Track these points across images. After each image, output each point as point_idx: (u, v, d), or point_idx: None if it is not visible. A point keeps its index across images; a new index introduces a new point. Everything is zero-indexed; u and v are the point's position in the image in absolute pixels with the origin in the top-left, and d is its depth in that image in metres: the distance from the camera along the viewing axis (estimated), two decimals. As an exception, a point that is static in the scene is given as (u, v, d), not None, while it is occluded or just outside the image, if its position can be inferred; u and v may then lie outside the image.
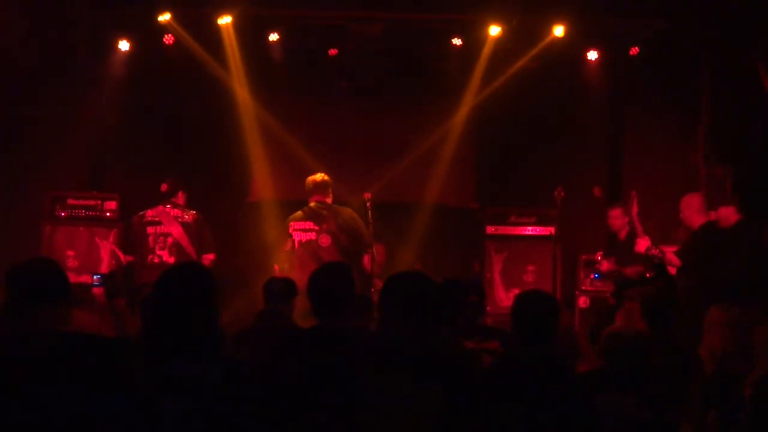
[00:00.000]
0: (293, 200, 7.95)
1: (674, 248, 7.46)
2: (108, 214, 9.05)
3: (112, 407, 2.68)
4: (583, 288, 9.10)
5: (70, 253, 8.92)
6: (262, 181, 9.88)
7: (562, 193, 8.23)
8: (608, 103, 10.20)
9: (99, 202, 9.08)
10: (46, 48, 9.15)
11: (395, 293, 3.54)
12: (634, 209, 7.62)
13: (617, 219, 8.19)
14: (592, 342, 5.83)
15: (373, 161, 9.81)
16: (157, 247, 7.63)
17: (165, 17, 8.98)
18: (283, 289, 5.69)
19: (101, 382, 2.73)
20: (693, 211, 7.30)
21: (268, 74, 9.71)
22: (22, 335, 2.87)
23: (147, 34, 9.23)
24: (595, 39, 9.48)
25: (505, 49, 9.38)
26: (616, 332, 5.07)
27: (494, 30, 9.18)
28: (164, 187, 7.81)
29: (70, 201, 9.04)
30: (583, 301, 9.00)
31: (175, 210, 7.75)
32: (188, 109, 9.78)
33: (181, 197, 7.85)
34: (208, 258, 7.67)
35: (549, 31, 9.14)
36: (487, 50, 9.41)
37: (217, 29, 9.17)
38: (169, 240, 7.65)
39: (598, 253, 8.49)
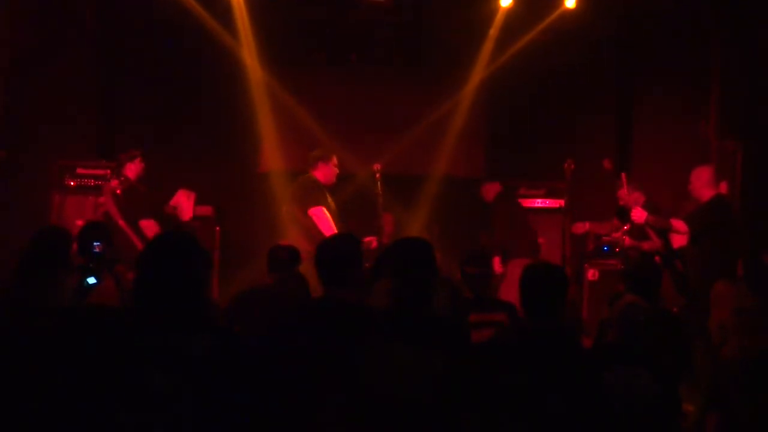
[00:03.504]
0: (303, 171, 7.94)
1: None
2: (117, 183, 9.05)
3: (105, 380, 2.67)
4: (593, 261, 9.08)
5: (80, 222, 8.90)
6: (272, 152, 9.86)
7: (572, 166, 8.22)
8: (618, 75, 10.14)
9: (108, 171, 9.07)
10: (53, 18, 9.13)
11: (389, 256, 3.56)
12: (623, 191, 7.79)
13: (625, 197, 8.23)
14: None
15: (383, 133, 9.76)
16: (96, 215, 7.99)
17: (175, -13, 8.95)
18: (285, 256, 5.70)
19: (99, 356, 2.72)
20: (703, 183, 7.23)
21: (278, 45, 9.67)
22: (30, 313, 2.85)
23: (156, 4, 9.19)
24: (604, 11, 9.40)
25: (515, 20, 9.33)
26: (634, 303, 5.07)
27: (505, 1, 9.13)
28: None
29: (80, 170, 9.05)
30: (591, 274, 8.97)
31: (114, 181, 7.85)
32: (198, 80, 9.75)
33: (129, 169, 7.93)
34: (146, 224, 7.66)
35: (560, 2, 9.09)
36: (497, 22, 9.36)
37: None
38: (100, 210, 7.90)
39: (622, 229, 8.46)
